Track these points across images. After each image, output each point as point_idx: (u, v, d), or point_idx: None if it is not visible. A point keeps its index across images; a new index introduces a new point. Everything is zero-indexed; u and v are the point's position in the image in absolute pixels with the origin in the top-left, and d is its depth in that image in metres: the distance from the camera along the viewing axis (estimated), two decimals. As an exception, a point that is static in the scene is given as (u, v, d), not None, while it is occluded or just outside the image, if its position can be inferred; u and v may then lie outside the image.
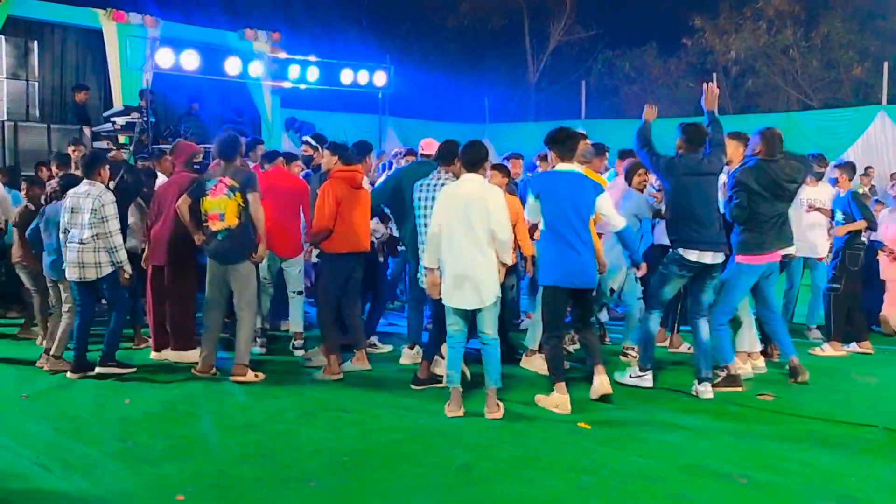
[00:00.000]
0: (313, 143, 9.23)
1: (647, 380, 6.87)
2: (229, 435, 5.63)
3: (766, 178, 6.73)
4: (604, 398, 6.36)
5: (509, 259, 6.16)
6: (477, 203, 5.90)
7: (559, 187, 6.22)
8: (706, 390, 6.63)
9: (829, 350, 8.25)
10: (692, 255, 6.57)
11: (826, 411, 6.28)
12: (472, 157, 6.08)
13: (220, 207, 6.92)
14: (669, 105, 25.20)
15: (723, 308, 6.92)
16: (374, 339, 8.19)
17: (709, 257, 6.57)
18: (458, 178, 6.36)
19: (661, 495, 4.65)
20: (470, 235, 5.90)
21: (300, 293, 8.12)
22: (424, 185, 6.78)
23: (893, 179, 14.20)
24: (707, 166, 6.64)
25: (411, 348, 7.69)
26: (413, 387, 6.78)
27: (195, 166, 8.23)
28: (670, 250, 6.77)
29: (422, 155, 7.85)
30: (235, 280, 7.04)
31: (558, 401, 6.18)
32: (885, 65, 17.91)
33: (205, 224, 7.00)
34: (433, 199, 6.49)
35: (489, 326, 6.05)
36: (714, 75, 21.27)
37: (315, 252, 7.77)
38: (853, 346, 8.36)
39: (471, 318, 6.15)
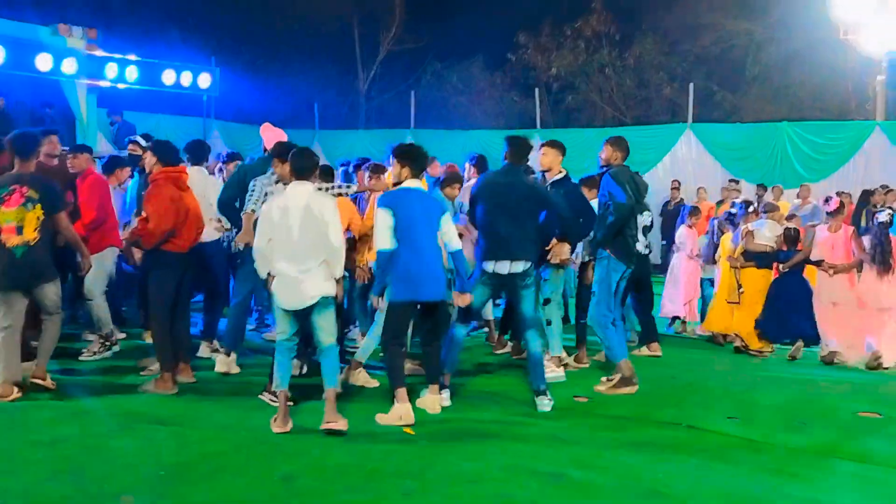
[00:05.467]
0: (143, 143, 8.74)
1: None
2: (35, 451, 5.29)
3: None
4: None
5: (340, 271, 5.96)
6: (310, 213, 5.79)
7: (413, 204, 6.23)
8: (542, 403, 6.61)
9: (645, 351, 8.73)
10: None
11: (635, 411, 6.64)
12: (303, 165, 5.98)
13: (17, 219, 6.34)
14: (495, 117, 25.94)
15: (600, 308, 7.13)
16: (216, 344, 7.89)
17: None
18: (284, 180, 6.32)
19: (483, 495, 4.76)
20: (304, 244, 5.77)
21: None
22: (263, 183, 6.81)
23: (809, 197, 15.01)
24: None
25: (227, 354, 7.44)
26: (261, 397, 6.53)
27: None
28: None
29: (267, 150, 7.49)
30: (41, 298, 6.55)
31: (401, 411, 6.08)
32: (691, 86, 19.14)
33: None
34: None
35: (326, 333, 5.94)
36: (536, 90, 22.05)
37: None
38: (644, 350, 8.83)
39: (302, 325, 6.02)
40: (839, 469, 5.49)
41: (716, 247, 9.74)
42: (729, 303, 9.31)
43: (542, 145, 7.75)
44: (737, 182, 16.41)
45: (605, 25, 25.64)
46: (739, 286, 9.15)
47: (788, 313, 8.80)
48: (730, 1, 24.67)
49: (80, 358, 7.75)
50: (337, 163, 10.37)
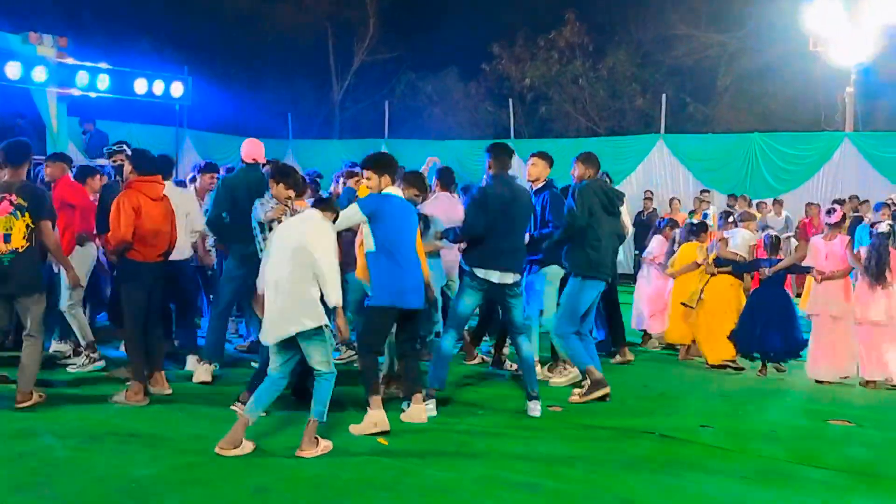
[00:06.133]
0: (129, 151, 8.55)
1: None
2: (2, 464, 5.20)
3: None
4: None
5: (333, 298, 5.60)
6: (301, 239, 5.58)
7: (396, 211, 6.27)
8: (533, 407, 6.69)
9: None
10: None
11: (609, 421, 6.65)
12: (323, 203, 5.91)
13: (5, 227, 6.33)
14: (469, 128, 26.03)
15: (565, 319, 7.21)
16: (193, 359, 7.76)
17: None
18: (279, 200, 6.50)
19: (456, 507, 4.75)
20: (295, 274, 5.55)
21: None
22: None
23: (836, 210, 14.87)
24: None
25: (210, 363, 7.40)
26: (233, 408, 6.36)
27: None
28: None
29: (245, 162, 7.59)
30: (25, 310, 6.48)
31: (375, 418, 6.02)
32: (664, 97, 19.33)
33: None
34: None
35: (319, 362, 5.60)
36: (510, 100, 22.13)
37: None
38: (616, 357, 8.87)
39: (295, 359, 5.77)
40: (811, 476, 5.52)
41: (672, 254, 9.72)
42: (683, 305, 9.23)
43: (532, 156, 7.90)
44: (708, 192, 16.59)
45: (579, 37, 25.83)
46: (701, 292, 9.12)
47: (766, 327, 8.63)
48: (702, 13, 24.96)
49: (69, 370, 7.70)
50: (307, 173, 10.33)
